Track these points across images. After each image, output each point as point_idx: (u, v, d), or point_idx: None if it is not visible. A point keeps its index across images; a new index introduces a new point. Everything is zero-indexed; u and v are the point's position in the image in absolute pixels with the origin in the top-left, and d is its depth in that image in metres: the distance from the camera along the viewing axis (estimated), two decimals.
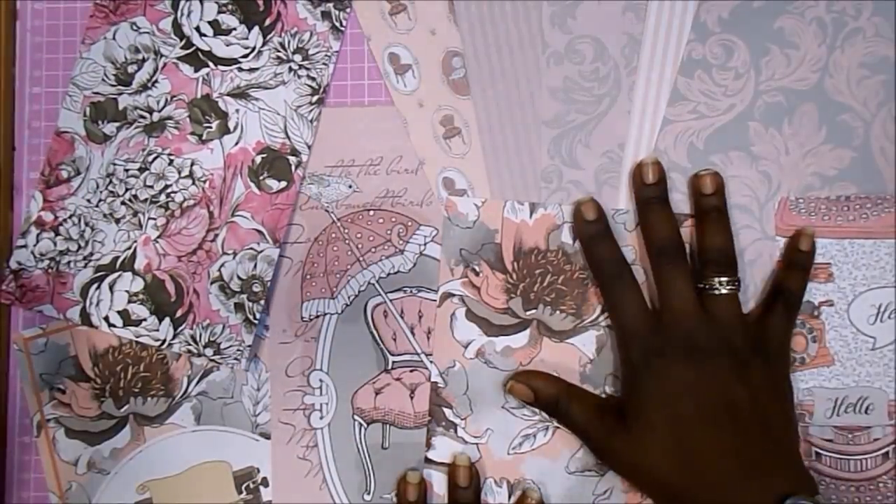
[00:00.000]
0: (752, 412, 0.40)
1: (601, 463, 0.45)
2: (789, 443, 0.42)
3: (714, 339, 0.42)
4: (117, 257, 0.47)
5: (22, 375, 0.47)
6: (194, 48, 0.47)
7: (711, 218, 0.44)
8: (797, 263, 0.45)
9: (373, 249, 0.47)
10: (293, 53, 0.47)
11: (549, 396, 0.44)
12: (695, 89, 0.47)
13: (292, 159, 0.47)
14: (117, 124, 0.47)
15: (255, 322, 0.46)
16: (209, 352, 0.46)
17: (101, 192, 0.47)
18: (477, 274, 0.47)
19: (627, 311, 0.43)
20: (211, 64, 0.47)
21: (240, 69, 0.47)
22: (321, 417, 0.47)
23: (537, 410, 0.46)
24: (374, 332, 0.47)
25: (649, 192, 0.45)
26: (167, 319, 0.46)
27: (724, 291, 0.42)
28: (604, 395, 0.46)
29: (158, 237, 0.47)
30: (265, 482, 0.47)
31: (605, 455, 0.44)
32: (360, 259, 0.47)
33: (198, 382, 0.47)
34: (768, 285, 0.45)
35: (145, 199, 0.47)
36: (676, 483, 0.40)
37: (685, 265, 0.43)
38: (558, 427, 0.46)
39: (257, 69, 0.47)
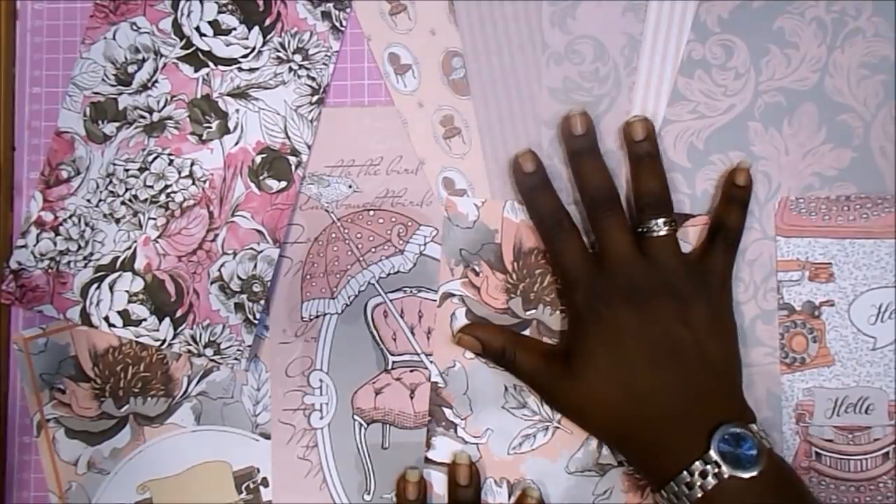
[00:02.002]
0: (693, 351, 0.42)
1: (550, 407, 0.46)
2: (730, 377, 0.43)
3: (655, 282, 0.42)
4: (117, 257, 0.47)
5: (22, 375, 0.47)
6: (194, 48, 0.47)
7: (644, 163, 0.45)
8: (735, 199, 0.45)
9: (373, 249, 0.47)
10: (293, 53, 0.47)
11: (495, 347, 0.45)
12: (695, 89, 0.47)
13: (292, 159, 0.47)
14: (117, 124, 0.47)
15: (255, 322, 0.46)
16: (209, 352, 0.46)
17: (101, 192, 0.47)
18: (477, 274, 0.47)
19: (569, 259, 0.44)
20: (211, 64, 0.47)
21: (240, 69, 0.47)
22: (321, 417, 0.47)
23: (538, 410, 0.46)
24: (374, 332, 0.47)
25: (579, 144, 0.45)
26: (167, 319, 0.46)
27: (662, 233, 0.43)
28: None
29: (158, 237, 0.47)
30: (265, 482, 0.47)
31: (553, 400, 0.45)
32: (360, 259, 0.47)
33: (198, 382, 0.47)
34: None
35: (145, 199, 0.47)
36: (622, 422, 0.42)
37: (620, 211, 0.44)
38: (558, 427, 0.46)
39: (257, 69, 0.47)
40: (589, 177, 0.44)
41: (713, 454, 0.39)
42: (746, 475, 0.39)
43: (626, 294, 0.42)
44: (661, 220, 0.43)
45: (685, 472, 0.39)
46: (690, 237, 0.46)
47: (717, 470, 0.39)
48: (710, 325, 0.42)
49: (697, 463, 0.39)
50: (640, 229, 0.44)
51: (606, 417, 0.42)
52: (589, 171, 0.45)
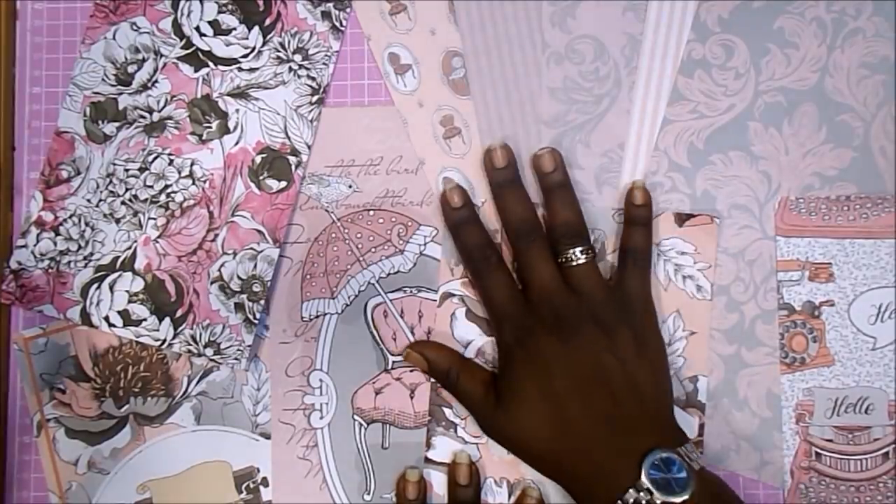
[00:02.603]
0: (621, 379, 0.42)
1: (486, 436, 0.45)
2: (659, 402, 0.43)
3: (580, 312, 0.43)
4: (117, 257, 0.47)
5: (22, 375, 0.47)
6: (194, 48, 0.47)
7: (556, 194, 0.45)
8: (636, 219, 0.45)
9: (373, 249, 0.47)
10: (293, 53, 0.47)
11: (441, 368, 0.45)
12: (695, 89, 0.47)
13: (292, 159, 0.47)
14: (117, 124, 0.47)
15: (255, 322, 0.46)
16: (209, 352, 0.46)
17: (101, 192, 0.47)
18: None
19: (497, 293, 0.44)
20: (211, 64, 0.47)
21: (240, 69, 0.47)
22: (321, 417, 0.47)
23: None
24: (374, 332, 0.47)
25: (501, 176, 0.45)
26: (167, 319, 0.46)
27: (580, 261, 0.44)
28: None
29: (158, 237, 0.47)
30: (265, 482, 0.47)
31: (487, 429, 0.45)
32: (360, 259, 0.47)
33: (198, 382, 0.47)
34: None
35: (145, 199, 0.47)
36: (554, 453, 0.42)
37: (542, 243, 0.44)
38: None
39: (257, 69, 0.47)
40: (511, 209, 0.45)
41: (645, 481, 0.39)
42: (678, 500, 0.38)
43: (551, 325, 0.43)
44: (577, 250, 0.44)
45: (619, 502, 0.39)
46: (690, 237, 0.46)
47: (649, 497, 0.39)
48: (636, 350, 0.43)
49: (631, 491, 0.39)
50: (559, 260, 0.44)
51: (538, 449, 0.42)
52: (511, 203, 0.45)
